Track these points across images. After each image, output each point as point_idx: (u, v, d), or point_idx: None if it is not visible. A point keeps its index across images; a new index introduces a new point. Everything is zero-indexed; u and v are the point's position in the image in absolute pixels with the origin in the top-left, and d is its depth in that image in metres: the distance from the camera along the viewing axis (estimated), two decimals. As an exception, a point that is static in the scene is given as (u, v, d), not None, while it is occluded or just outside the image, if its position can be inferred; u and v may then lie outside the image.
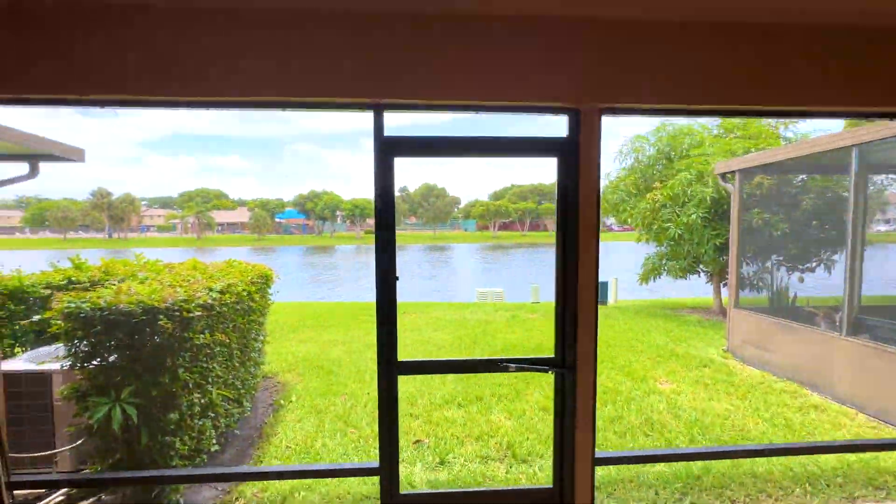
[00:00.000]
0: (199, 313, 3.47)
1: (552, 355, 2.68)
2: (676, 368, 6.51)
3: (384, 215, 2.56)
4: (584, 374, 2.60)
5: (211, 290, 3.81)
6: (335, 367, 5.88)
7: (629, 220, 10.03)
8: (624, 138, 10.18)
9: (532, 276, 29.69)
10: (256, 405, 5.01)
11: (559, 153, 2.61)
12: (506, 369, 2.68)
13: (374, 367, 2.58)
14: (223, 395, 3.97)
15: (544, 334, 7.42)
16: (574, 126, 2.56)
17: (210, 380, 3.72)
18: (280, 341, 7.20)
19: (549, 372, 2.65)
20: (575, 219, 2.54)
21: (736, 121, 10.12)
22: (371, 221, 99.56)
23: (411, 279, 28.58)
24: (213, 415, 3.80)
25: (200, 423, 3.59)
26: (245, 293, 4.26)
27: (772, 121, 10.06)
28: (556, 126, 2.70)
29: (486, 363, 2.84)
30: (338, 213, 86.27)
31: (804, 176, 8.08)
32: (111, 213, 78.18)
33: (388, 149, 2.55)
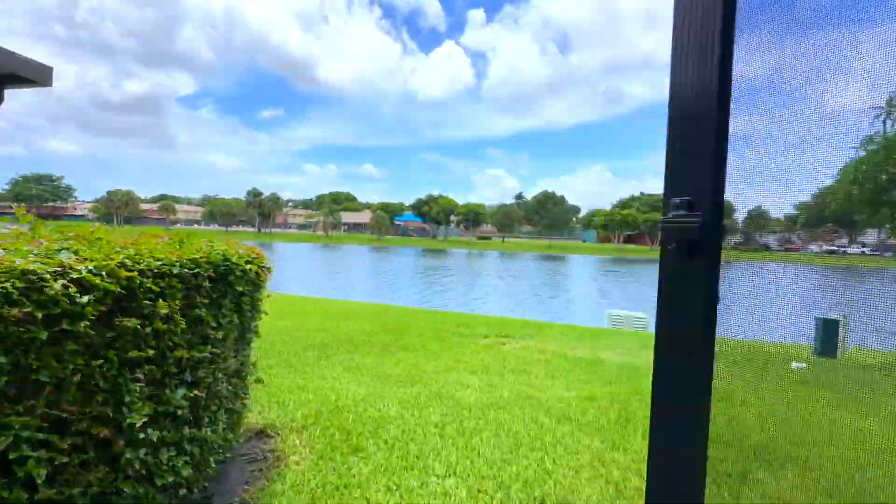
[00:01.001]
0: None
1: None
2: None
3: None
4: None
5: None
6: (375, 429, 3.27)
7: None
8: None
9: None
10: None
11: None
12: None
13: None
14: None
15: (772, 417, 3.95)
16: None
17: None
18: (320, 366, 4.91)
19: None
20: None
21: None
22: (486, 227, 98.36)
23: (521, 293, 25.49)
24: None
25: None
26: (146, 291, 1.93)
27: None
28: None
29: None
30: (452, 217, 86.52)
31: None
32: (261, 211, 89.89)
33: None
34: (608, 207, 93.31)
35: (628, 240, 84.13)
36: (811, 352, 5.37)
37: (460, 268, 40.44)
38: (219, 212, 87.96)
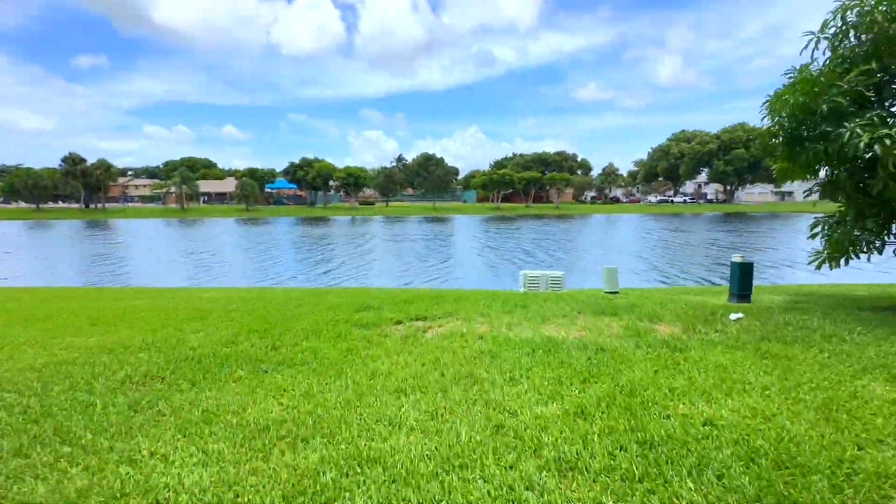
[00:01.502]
0: None
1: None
2: None
3: None
4: None
5: None
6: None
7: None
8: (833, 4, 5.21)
9: (557, 252, 25.41)
10: None
11: None
12: None
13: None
14: None
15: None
16: None
17: None
18: (132, 428, 2.90)
19: None
20: None
21: None
22: (368, 192, 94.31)
23: (419, 257, 24.23)
24: None
25: None
26: None
27: None
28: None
29: None
30: (331, 182, 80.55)
31: None
32: (87, 182, 72.36)
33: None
34: (485, 168, 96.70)
35: (505, 199, 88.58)
36: (728, 297, 4.39)
37: (347, 235, 37.60)
38: (23, 185, 68.61)
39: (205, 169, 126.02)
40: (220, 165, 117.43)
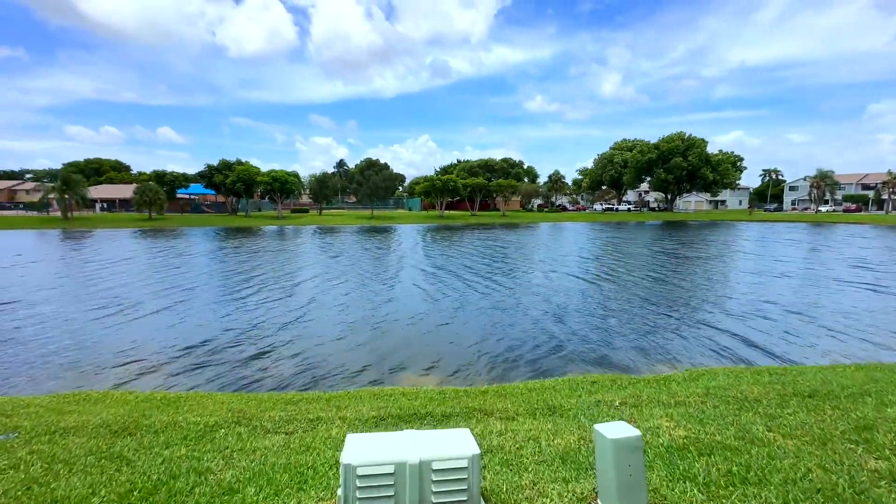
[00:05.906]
0: None
1: None
2: None
3: None
4: None
5: None
6: None
7: None
8: None
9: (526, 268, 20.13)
10: None
11: None
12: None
13: None
14: None
15: None
16: None
17: None
18: None
19: None
20: None
21: None
22: (305, 200, 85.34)
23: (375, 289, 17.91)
24: None
25: None
26: None
27: None
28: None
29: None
30: (256, 188, 71.40)
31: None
32: (-62, 185, 58.36)
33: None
34: (431, 174, 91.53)
35: (451, 206, 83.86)
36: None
37: (269, 248, 30.48)
38: None
39: (115, 172, 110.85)
40: (146, 169, 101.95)
